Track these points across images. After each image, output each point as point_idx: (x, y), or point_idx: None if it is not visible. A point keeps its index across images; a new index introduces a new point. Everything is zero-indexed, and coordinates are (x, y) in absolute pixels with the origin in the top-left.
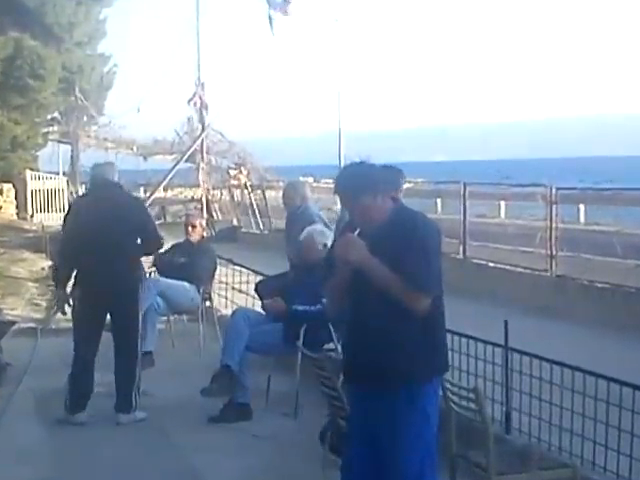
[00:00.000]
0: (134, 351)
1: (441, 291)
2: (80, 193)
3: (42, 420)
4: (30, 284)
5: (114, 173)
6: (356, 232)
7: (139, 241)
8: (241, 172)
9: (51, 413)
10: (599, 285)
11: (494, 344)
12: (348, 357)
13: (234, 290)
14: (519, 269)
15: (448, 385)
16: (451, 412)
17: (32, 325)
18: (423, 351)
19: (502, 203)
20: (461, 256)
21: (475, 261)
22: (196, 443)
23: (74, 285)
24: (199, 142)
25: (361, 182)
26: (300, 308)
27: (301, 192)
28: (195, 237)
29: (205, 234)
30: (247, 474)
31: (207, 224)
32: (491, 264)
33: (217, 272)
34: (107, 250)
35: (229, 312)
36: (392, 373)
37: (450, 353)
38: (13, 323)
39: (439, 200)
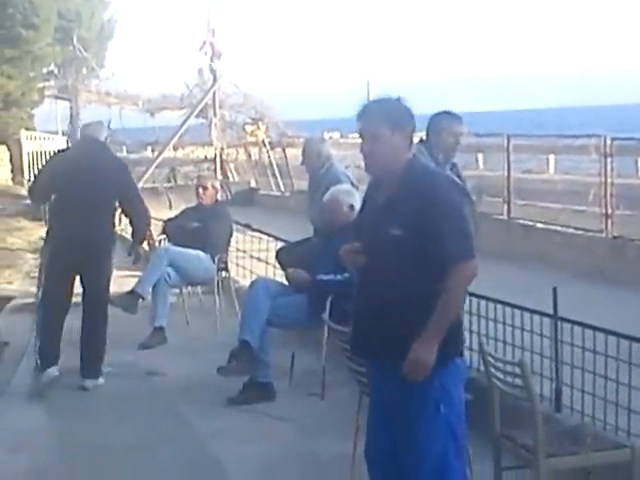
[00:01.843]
0: (102, 315)
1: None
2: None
3: (42, 404)
4: (28, 255)
5: (101, 132)
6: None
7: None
8: (259, 128)
9: (52, 396)
10: None
11: (542, 313)
12: (355, 327)
13: (253, 259)
14: (570, 230)
15: (490, 359)
16: (494, 389)
17: (31, 300)
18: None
19: (551, 157)
20: (505, 217)
21: (521, 222)
22: (214, 427)
23: (46, 237)
24: (211, 94)
25: (387, 108)
26: (325, 277)
27: (322, 149)
28: (208, 200)
29: (219, 197)
30: (270, 461)
31: (222, 186)
32: (539, 225)
33: (234, 239)
34: (81, 207)
35: (248, 283)
36: (403, 350)
37: (493, 324)
38: (10, 299)
39: (480, 155)
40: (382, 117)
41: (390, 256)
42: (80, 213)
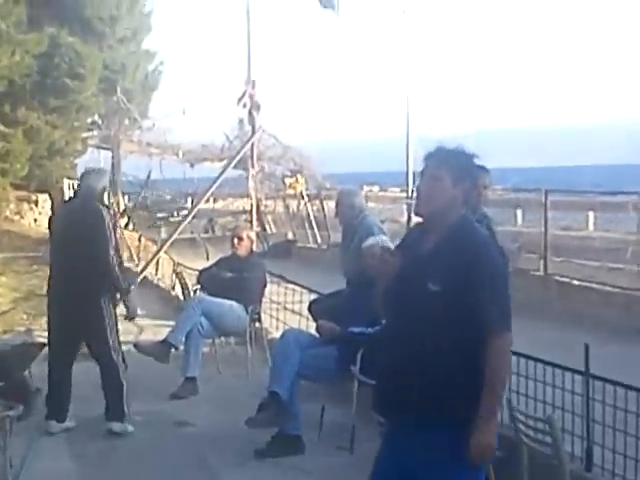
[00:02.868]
0: (107, 364)
1: None
2: (122, 204)
3: (73, 453)
4: None
5: (99, 180)
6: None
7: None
8: (297, 180)
9: (82, 446)
10: None
11: (573, 370)
12: (382, 382)
13: (286, 310)
14: (608, 288)
15: (519, 415)
16: (523, 446)
17: None
18: (471, 393)
19: (590, 214)
20: (542, 273)
21: (558, 278)
22: (242, 479)
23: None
24: (249, 146)
25: (456, 158)
26: (356, 330)
27: (355, 201)
28: (242, 251)
29: (255, 248)
30: None
31: (258, 237)
32: (575, 282)
33: (267, 290)
34: (63, 263)
35: (280, 335)
36: (431, 405)
37: (524, 380)
38: (44, 345)
39: (519, 211)
40: (449, 165)
41: (423, 311)
42: (63, 269)
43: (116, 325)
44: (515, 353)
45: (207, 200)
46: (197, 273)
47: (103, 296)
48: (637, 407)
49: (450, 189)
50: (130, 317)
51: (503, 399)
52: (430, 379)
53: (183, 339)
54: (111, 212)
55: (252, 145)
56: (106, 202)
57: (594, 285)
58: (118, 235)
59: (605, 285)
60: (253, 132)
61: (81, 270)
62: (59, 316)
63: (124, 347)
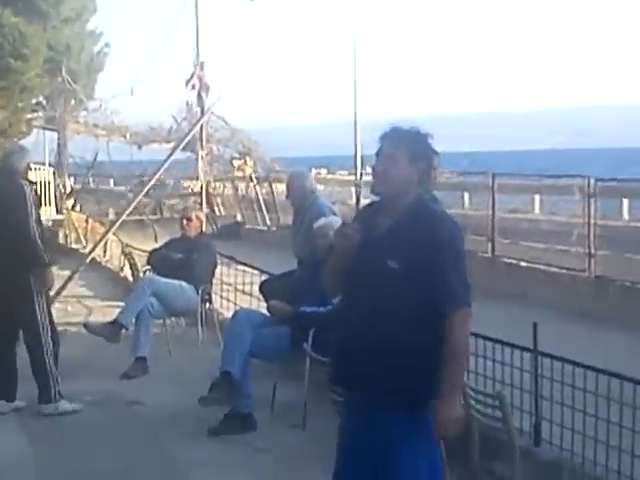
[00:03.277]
0: (36, 345)
1: None
2: (68, 186)
3: (23, 433)
4: None
5: (22, 158)
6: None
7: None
8: (246, 162)
9: (33, 426)
10: None
11: (522, 348)
12: (339, 357)
13: (237, 291)
14: (554, 269)
15: (470, 391)
16: (473, 421)
17: None
18: (429, 365)
19: (536, 197)
20: (489, 254)
21: (505, 260)
22: (194, 457)
23: None
24: (198, 128)
25: (411, 139)
26: (308, 309)
27: (306, 183)
28: (192, 232)
29: (204, 229)
30: None
31: (208, 219)
32: (523, 263)
33: (218, 271)
34: None
35: (231, 315)
36: (390, 385)
37: (474, 358)
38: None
39: (466, 194)
40: (405, 144)
41: (382, 288)
42: None
43: (47, 304)
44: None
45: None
46: (146, 254)
47: (30, 274)
48: (584, 383)
49: (406, 169)
50: (41, 290)
51: (462, 376)
52: (389, 356)
53: (133, 319)
54: (34, 188)
55: (201, 127)
56: (31, 179)
57: (541, 266)
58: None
59: (551, 266)
60: (202, 114)
61: (4, 246)
62: None
63: (74, 328)
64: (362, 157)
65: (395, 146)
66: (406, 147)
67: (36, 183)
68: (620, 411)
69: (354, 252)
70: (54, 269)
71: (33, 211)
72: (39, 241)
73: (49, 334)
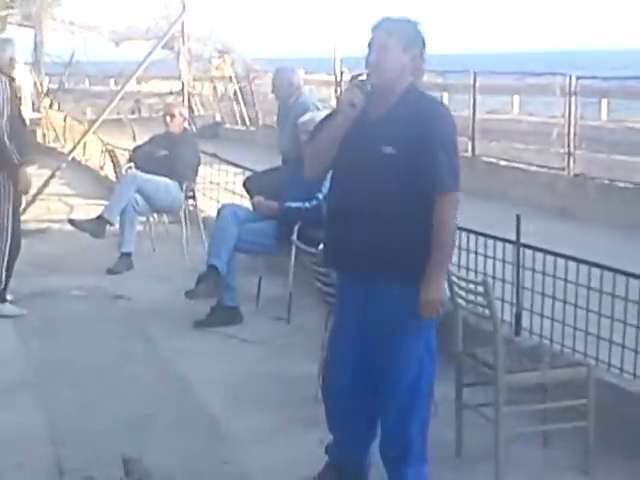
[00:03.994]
0: None
1: None
2: (45, 85)
3: (8, 325)
4: None
5: (3, 50)
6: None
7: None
8: (225, 61)
9: (21, 320)
10: (621, 185)
11: (505, 240)
12: (332, 239)
13: (220, 189)
14: (533, 168)
15: (454, 279)
16: (457, 308)
17: None
18: (422, 246)
19: (516, 97)
20: (470, 154)
21: (485, 160)
22: (181, 347)
23: None
24: (178, 25)
25: (403, 27)
26: (293, 205)
27: (292, 78)
28: (175, 128)
29: (186, 125)
30: (236, 379)
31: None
32: (502, 162)
33: (200, 171)
34: None
35: (215, 213)
36: (384, 263)
37: (457, 251)
38: None
39: (445, 94)
40: (396, 32)
41: (377, 173)
42: None
43: (12, 201)
44: None
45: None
46: (127, 153)
47: (0, 170)
48: (565, 274)
49: (399, 56)
50: (22, 191)
51: (449, 259)
52: (382, 236)
53: (118, 215)
54: (15, 84)
55: (182, 24)
56: (13, 73)
57: (520, 165)
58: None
59: (531, 165)
60: (183, 9)
61: None
62: None
63: (57, 225)
64: (341, 60)
65: (387, 35)
66: (398, 35)
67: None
68: (600, 300)
69: (345, 140)
70: (34, 168)
71: (6, 108)
72: (7, 141)
73: (8, 239)
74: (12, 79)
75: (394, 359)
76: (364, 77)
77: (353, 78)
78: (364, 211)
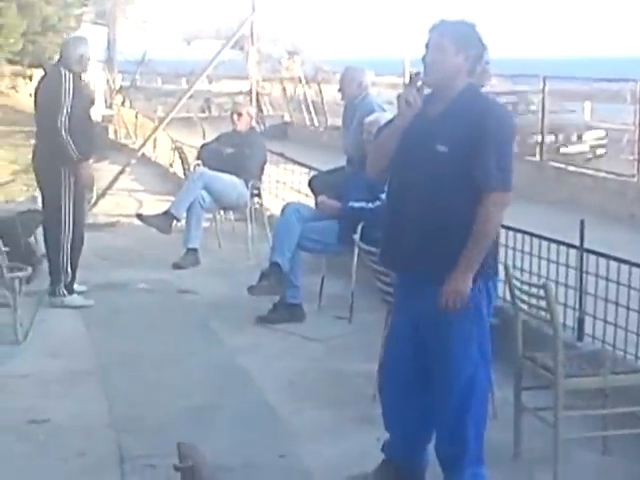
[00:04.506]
0: (54, 240)
1: None
2: (118, 82)
3: (79, 314)
4: None
5: (76, 47)
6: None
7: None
8: (294, 62)
9: (89, 309)
10: None
11: (568, 245)
12: (387, 239)
13: (285, 188)
14: (602, 174)
15: (516, 282)
16: (518, 312)
17: None
18: None
19: (587, 104)
20: (538, 159)
21: (554, 164)
22: (243, 343)
23: None
24: (248, 25)
25: (458, 28)
26: (357, 205)
27: (361, 78)
28: (242, 126)
29: (254, 124)
30: (296, 376)
31: (256, 119)
32: (571, 168)
33: (266, 170)
34: (37, 133)
35: (280, 211)
36: (439, 264)
37: (520, 255)
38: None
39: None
40: (451, 34)
41: (430, 172)
42: (36, 136)
43: (73, 196)
44: (512, 228)
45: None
46: (196, 150)
47: (62, 168)
48: (629, 280)
49: (454, 57)
50: (84, 186)
51: (482, 257)
52: (433, 236)
53: (185, 211)
54: (84, 82)
55: (252, 24)
56: (83, 72)
57: (589, 171)
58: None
59: (600, 171)
60: (253, 11)
61: (43, 136)
62: (37, 184)
63: (125, 219)
64: (410, 62)
65: (442, 35)
66: (452, 36)
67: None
68: None
69: (402, 139)
70: (105, 163)
71: (67, 104)
72: (66, 137)
73: (70, 232)
74: (79, 76)
75: (448, 361)
76: (421, 77)
77: (411, 78)
78: (415, 211)
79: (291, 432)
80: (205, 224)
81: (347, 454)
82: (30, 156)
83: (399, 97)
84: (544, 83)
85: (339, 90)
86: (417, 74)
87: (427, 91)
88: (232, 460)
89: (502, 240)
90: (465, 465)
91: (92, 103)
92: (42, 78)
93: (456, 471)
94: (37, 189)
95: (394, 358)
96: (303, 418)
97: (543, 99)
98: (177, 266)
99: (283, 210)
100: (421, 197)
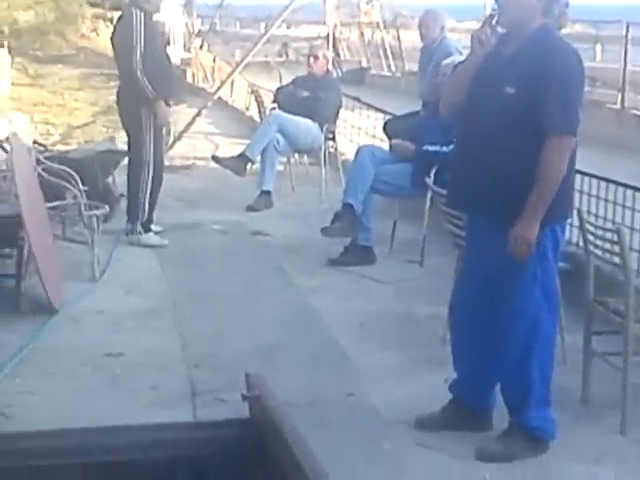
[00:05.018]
0: (135, 177)
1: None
2: (196, 26)
3: (155, 254)
4: None
5: None
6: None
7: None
8: (373, 7)
9: (164, 249)
10: None
11: None
12: (456, 180)
13: (360, 131)
14: None
15: (589, 227)
16: (590, 256)
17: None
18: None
19: None
20: (619, 106)
21: (635, 112)
22: (315, 284)
23: None
24: None
25: None
26: (431, 148)
27: (440, 21)
28: (318, 70)
29: (330, 68)
30: (367, 316)
31: (333, 63)
32: None
33: (341, 115)
34: (118, 70)
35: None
36: (504, 205)
37: (595, 200)
38: (126, 153)
39: (598, 46)
40: None
41: (498, 114)
42: (119, 75)
43: (153, 135)
44: (587, 174)
45: (280, 26)
46: (272, 94)
47: (141, 108)
48: None
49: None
50: (161, 125)
51: (547, 203)
52: (498, 177)
53: (259, 154)
54: (155, 20)
55: None
56: (155, 9)
57: None
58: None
59: None
60: None
61: (123, 77)
62: (122, 125)
63: (201, 162)
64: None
65: None
66: None
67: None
68: None
69: (474, 79)
70: (182, 106)
71: (140, 44)
72: (141, 76)
73: (150, 171)
74: (151, 16)
75: (512, 302)
76: (495, 16)
77: (487, 18)
78: (481, 152)
79: (360, 372)
80: (279, 167)
81: (415, 394)
82: (110, 98)
83: (472, 36)
84: (627, 29)
85: (420, 34)
86: (492, 14)
87: (502, 31)
88: (299, 397)
89: (577, 186)
90: (530, 407)
91: (167, 43)
92: (118, 19)
93: (521, 412)
94: (116, 130)
95: (463, 298)
96: (372, 359)
97: (626, 45)
98: (251, 208)
99: (357, 152)
100: (486, 138)
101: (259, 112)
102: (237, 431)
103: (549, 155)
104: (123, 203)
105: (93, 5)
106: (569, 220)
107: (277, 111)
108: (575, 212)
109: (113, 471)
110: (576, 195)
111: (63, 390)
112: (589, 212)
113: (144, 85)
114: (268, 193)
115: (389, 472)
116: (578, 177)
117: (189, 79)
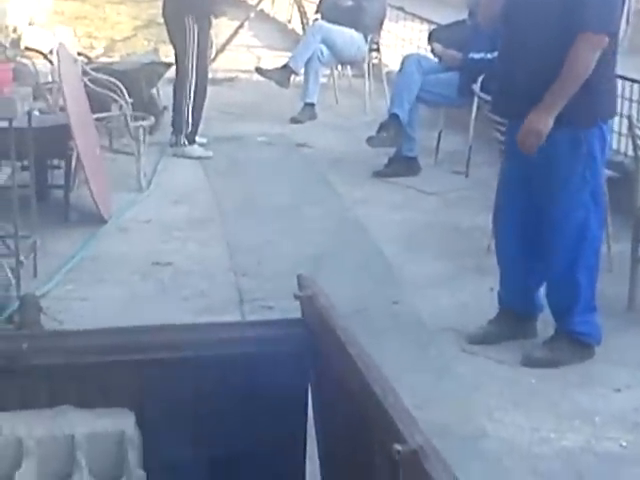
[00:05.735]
0: (180, 90)
1: (616, 28)
2: None
3: (201, 165)
4: None
5: None
6: None
7: None
8: None
9: (209, 160)
10: None
11: None
12: (500, 87)
13: (404, 42)
14: None
15: (638, 131)
16: (639, 163)
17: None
18: (589, 91)
19: None
20: None
21: None
22: (360, 195)
23: None
24: None
25: None
26: (477, 56)
27: None
28: None
29: None
30: (412, 227)
31: None
32: None
33: (385, 27)
34: None
35: (398, 67)
36: None
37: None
38: (170, 65)
39: None
40: None
41: (539, 18)
42: None
43: (197, 44)
44: (638, 81)
45: None
46: (315, 4)
47: (186, 14)
48: None
49: None
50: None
51: (565, 99)
52: (541, 80)
53: (303, 65)
54: None
55: None
56: None
57: None
58: None
59: None
60: None
61: None
62: (168, 35)
63: (244, 75)
64: None
65: None
66: None
67: None
68: None
69: None
70: (224, 19)
71: None
72: None
73: (194, 82)
74: None
75: (559, 205)
76: None
77: None
78: (523, 57)
79: (405, 281)
80: (323, 80)
81: (461, 302)
82: (151, 12)
83: None
84: None
85: None
86: None
87: None
88: (345, 305)
89: (626, 93)
90: (576, 312)
91: None
92: None
93: (567, 317)
94: (157, 43)
95: (507, 203)
96: (417, 268)
97: None
98: (295, 120)
99: (403, 61)
100: (528, 44)
101: (302, 24)
102: (290, 330)
103: (578, 50)
104: (167, 116)
105: None
106: (616, 127)
107: (320, 22)
108: (626, 118)
109: (167, 367)
110: (625, 102)
111: (113, 297)
112: (638, 119)
113: None
114: (312, 105)
115: (435, 376)
116: (628, 84)
117: None
